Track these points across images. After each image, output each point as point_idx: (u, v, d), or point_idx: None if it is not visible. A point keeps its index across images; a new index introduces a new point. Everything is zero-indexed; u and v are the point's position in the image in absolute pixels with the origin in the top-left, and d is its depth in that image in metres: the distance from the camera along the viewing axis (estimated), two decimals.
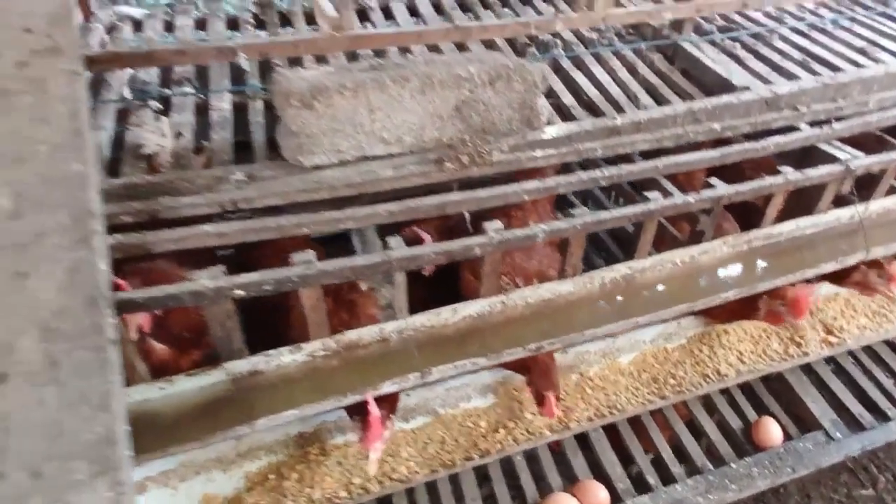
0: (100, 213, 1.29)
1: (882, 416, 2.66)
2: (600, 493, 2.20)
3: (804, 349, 2.52)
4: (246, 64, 2.02)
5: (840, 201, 2.21)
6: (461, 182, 1.88)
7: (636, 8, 2.35)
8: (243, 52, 1.94)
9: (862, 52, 2.46)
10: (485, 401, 2.17)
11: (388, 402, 1.75)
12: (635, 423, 2.42)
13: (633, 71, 2.38)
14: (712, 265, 1.85)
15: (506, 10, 2.75)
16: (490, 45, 2.43)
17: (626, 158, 2.02)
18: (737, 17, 2.72)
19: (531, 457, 2.36)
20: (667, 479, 2.37)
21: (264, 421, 1.46)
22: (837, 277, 2.37)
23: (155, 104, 2.02)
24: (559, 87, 2.23)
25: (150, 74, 2.19)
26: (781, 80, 2.24)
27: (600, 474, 2.33)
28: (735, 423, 2.59)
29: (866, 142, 2.28)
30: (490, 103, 1.76)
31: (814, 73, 2.30)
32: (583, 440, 2.41)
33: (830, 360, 2.92)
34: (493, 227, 1.59)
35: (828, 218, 2.13)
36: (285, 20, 2.63)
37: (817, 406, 2.65)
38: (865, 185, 2.23)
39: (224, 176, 1.65)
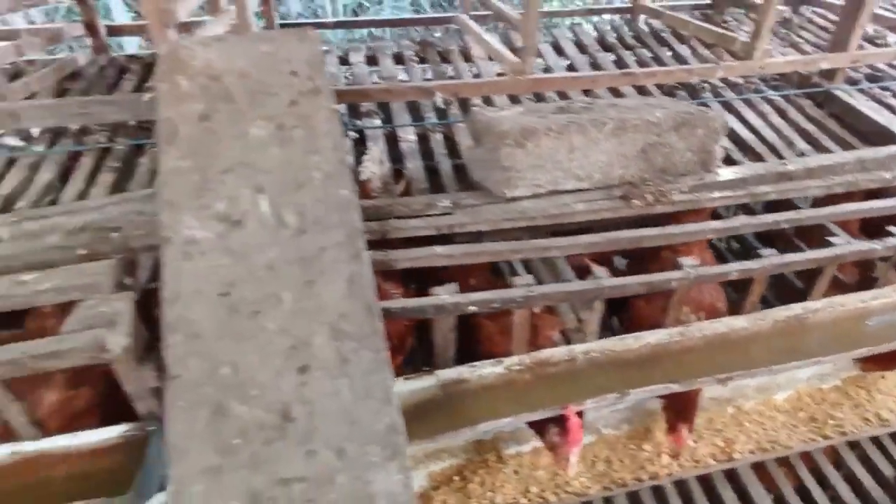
0: (364, 233, 1.50)
1: None
2: None
3: None
4: (440, 101, 2.24)
5: None
6: (622, 219, 2.02)
7: (793, 57, 2.45)
8: (439, 90, 2.16)
9: None
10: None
11: (578, 414, 1.89)
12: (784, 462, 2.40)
13: (783, 116, 2.48)
14: (884, 311, 1.90)
15: (644, 50, 2.91)
16: (641, 88, 2.59)
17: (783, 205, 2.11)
18: (883, 67, 2.78)
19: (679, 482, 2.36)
20: None
21: (483, 426, 1.61)
22: None
23: (352, 134, 2.27)
24: None
25: (340, 107, 2.45)
26: None
27: None
28: (888, 471, 2.54)
29: None
30: (674, 146, 1.90)
31: None
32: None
33: None
34: (689, 262, 1.72)
35: None
36: (444, 58, 2.88)
37: None
38: None
39: (433, 202, 1.86)
